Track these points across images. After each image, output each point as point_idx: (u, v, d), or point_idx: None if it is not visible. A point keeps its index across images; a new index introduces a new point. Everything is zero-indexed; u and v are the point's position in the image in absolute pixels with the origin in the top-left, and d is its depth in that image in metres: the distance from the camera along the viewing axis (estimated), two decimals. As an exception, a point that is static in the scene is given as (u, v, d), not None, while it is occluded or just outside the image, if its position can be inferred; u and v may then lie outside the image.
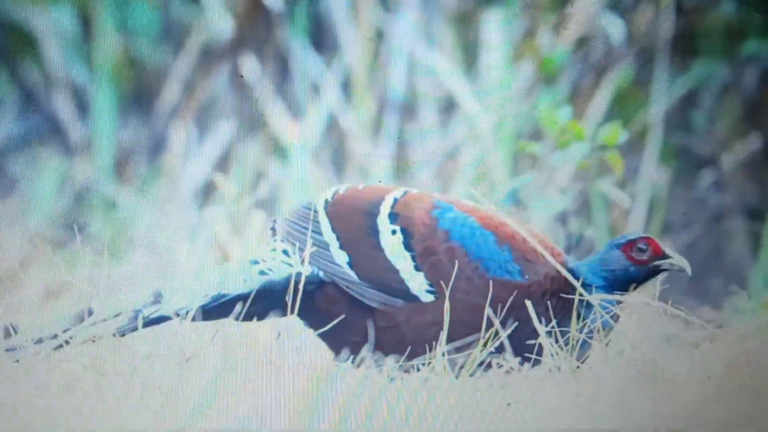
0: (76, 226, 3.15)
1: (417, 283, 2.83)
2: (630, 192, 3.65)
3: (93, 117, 3.84)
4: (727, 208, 3.73)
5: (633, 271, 2.83)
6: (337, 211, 2.93)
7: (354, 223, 2.90)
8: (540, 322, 2.77)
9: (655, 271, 2.84)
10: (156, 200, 3.71)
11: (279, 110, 3.80)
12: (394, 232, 2.87)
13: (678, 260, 2.83)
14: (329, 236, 2.90)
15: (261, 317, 2.91)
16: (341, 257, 2.88)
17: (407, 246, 2.86)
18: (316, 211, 2.94)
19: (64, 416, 2.68)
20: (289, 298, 2.86)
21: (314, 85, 3.82)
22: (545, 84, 3.73)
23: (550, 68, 3.73)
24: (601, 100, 3.71)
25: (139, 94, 3.88)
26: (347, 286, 2.86)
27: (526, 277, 2.82)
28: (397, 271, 2.84)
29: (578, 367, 2.77)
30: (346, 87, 3.80)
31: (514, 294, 2.78)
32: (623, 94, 3.73)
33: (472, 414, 2.68)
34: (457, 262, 2.82)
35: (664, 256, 2.84)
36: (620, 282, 2.82)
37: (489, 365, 2.81)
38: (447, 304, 2.80)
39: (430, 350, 2.79)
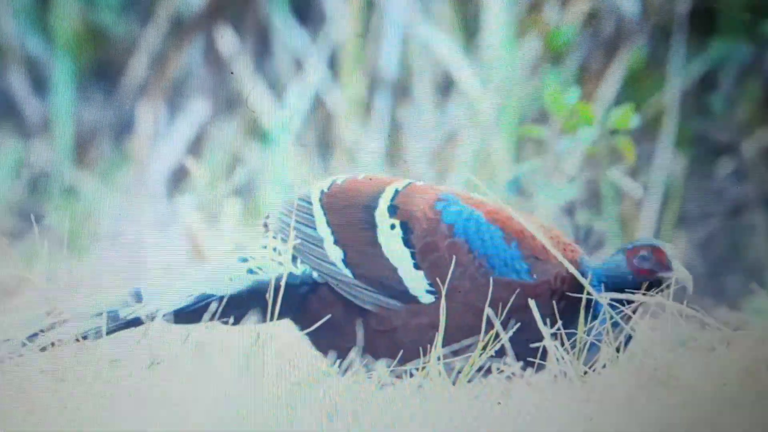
0: (33, 217, 3.19)
1: (416, 283, 2.87)
2: (643, 181, 3.75)
3: (50, 94, 3.88)
4: (747, 200, 3.82)
5: (630, 279, 2.89)
6: (332, 203, 2.96)
7: (350, 216, 2.93)
8: (545, 323, 2.84)
9: (655, 284, 2.89)
10: (121, 188, 3.76)
11: (258, 88, 3.86)
12: (392, 226, 2.91)
13: (680, 274, 2.87)
14: (323, 230, 2.94)
15: (249, 320, 2.95)
16: (335, 253, 2.91)
17: (407, 242, 2.90)
18: (310, 203, 2.98)
19: (15, 423, 2.76)
20: (269, 298, 2.91)
21: (297, 60, 3.87)
22: (551, 62, 3.80)
23: (557, 45, 3.80)
24: (612, 80, 3.80)
25: (102, 69, 3.92)
26: (340, 287, 2.90)
27: (534, 276, 2.87)
28: (395, 270, 2.88)
29: (586, 372, 2.84)
30: (333, 63, 3.86)
31: (520, 295, 2.84)
32: (636, 75, 3.82)
33: (469, 423, 2.75)
34: (460, 259, 2.87)
35: (667, 268, 2.89)
36: (616, 290, 2.88)
37: (489, 370, 2.87)
38: (443, 303, 2.88)
39: (425, 355, 2.85)
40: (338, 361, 2.91)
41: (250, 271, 2.96)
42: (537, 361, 2.86)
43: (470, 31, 3.83)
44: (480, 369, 2.87)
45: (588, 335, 2.86)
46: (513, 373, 2.87)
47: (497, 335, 2.87)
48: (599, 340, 2.86)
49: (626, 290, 2.87)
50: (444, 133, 3.81)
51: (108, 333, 2.92)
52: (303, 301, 2.93)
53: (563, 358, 2.84)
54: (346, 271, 2.91)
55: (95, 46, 3.93)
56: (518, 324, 2.87)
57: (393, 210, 2.93)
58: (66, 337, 2.92)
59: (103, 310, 2.93)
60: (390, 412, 2.77)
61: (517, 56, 3.79)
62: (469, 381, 2.87)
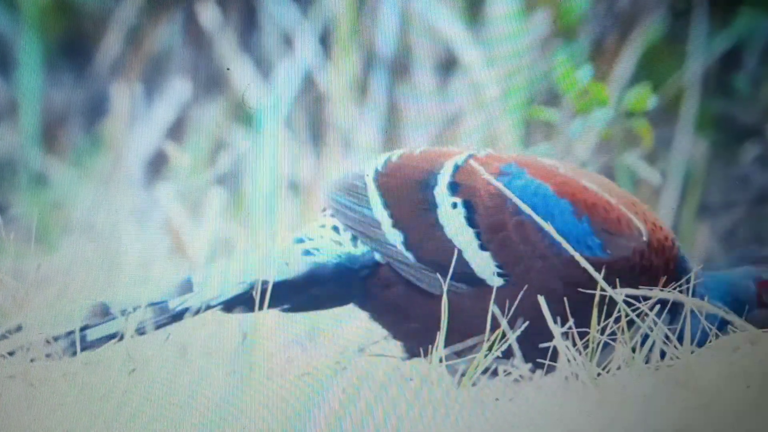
0: (-3, 207, 3.24)
1: (483, 265, 2.93)
2: (661, 167, 3.80)
3: (16, 73, 3.91)
4: (773, 187, 3.89)
5: (746, 308, 2.97)
6: (388, 182, 3.02)
7: (408, 196, 2.99)
8: (555, 321, 2.92)
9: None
10: (95, 176, 3.79)
11: (244, 67, 3.90)
12: (454, 205, 2.96)
13: None
14: (380, 213, 3.00)
15: (315, 307, 3.02)
16: (395, 237, 2.97)
17: (471, 221, 2.95)
18: (364, 184, 3.04)
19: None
20: (257, 296, 2.96)
21: (286, 36, 3.90)
22: (563, 38, 3.84)
23: (568, 20, 3.84)
24: (628, 58, 3.84)
25: (72, 46, 3.94)
26: (403, 269, 2.96)
27: (608, 252, 2.93)
28: (459, 252, 2.94)
29: (599, 374, 2.91)
30: (325, 39, 3.89)
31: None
32: (654, 52, 3.86)
33: (473, 428, 2.83)
34: (528, 237, 2.91)
35: None
36: (735, 312, 2.95)
37: (495, 372, 2.95)
38: (444, 299, 2.94)
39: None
40: (405, 345, 2.98)
41: (307, 253, 3.02)
42: (547, 362, 2.92)
43: (474, 4, 3.87)
44: (485, 371, 2.95)
45: (601, 334, 2.92)
46: (521, 376, 2.94)
47: (504, 334, 2.94)
48: (613, 340, 2.93)
49: (725, 310, 2.95)
50: (446, 115, 3.85)
51: (157, 327, 2.99)
52: (365, 285, 2.99)
53: (575, 359, 2.91)
54: (408, 254, 2.96)
55: (65, 21, 3.95)
56: (526, 322, 2.94)
57: (454, 187, 2.98)
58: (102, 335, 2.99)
59: (162, 300, 2.98)
60: (392, 414, 2.84)
61: (525, 32, 3.83)
62: (474, 384, 2.95)
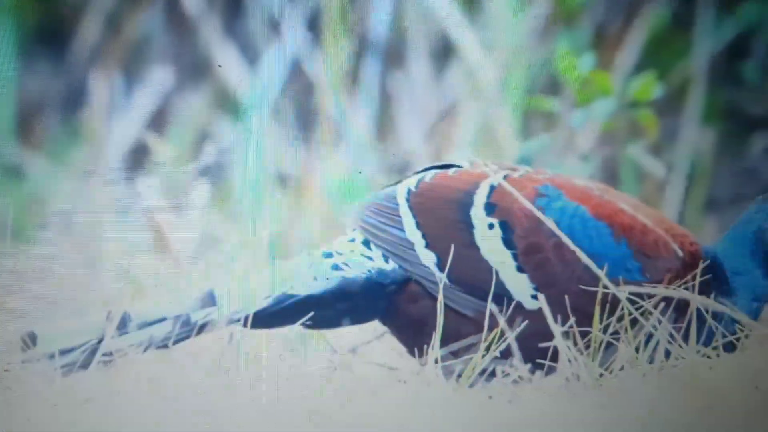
0: (-29, 202, 3.27)
1: (520, 287, 3.00)
2: (666, 160, 3.86)
3: (-11, 61, 3.93)
4: (784, 180, 3.92)
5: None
6: (422, 203, 3.09)
7: (443, 217, 3.06)
8: (555, 320, 2.97)
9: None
10: (73, 168, 3.81)
11: (229, 54, 3.93)
12: (491, 226, 3.03)
13: None
14: (413, 234, 3.07)
15: (333, 323, 3.09)
16: (429, 257, 3.05)
17: (507, 243, 3.03)
18: (396, 204, 3.10)
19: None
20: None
21: (273, 21, 3.94)
22: (564, 25, 3.89)
23: (569, 5, 3.88)
24: (632, 45, 3.89)
25: (48, 33, 3.96)
26: (436, 291, 3.02)
27: (647, 276, 3.01)
28: (496, 273, 3.01)
29: (601, 375, 2.95)
30: (314, 24, 3.92)
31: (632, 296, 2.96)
32: (659, 39, 3.92)
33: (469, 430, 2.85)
34: (566, 260, 2.99)
35: None
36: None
37: (493, 373, 2.99)
38: (440, 297, 3.00)
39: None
40: (456, 359, 3.02)
41: (336, 267, 3.09)
42: (547, 363, 2.96)
43: (471, -12, 3.91)
44: (483, 372, 2.99)
45: (603, 333, 2.97)
46: (520, 377, 2.98)
47: (502, 334, 2.99)
48: (616, 339, 2.97)
49: (733, 309, 3.00)
50: (442, 105, 3.90)
51: (176, 341, 3.04)
52: (391, 300, 3.07)
53: (576, 360, 2.96)
54: (442, 276, 3.04)
55: (40, 6, 3.97)
56: (526, 321, 2.99)
57: (490, 208, 3.06)
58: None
59: (184, 313, 3.03)
60: (385, 418, 2.88)
61: (525, 18, 3.87)
62: (470, 386, 2.98)
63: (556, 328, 2.96)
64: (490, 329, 2.99)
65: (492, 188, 3.08)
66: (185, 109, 3.92)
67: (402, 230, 3.09)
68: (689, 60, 3.91)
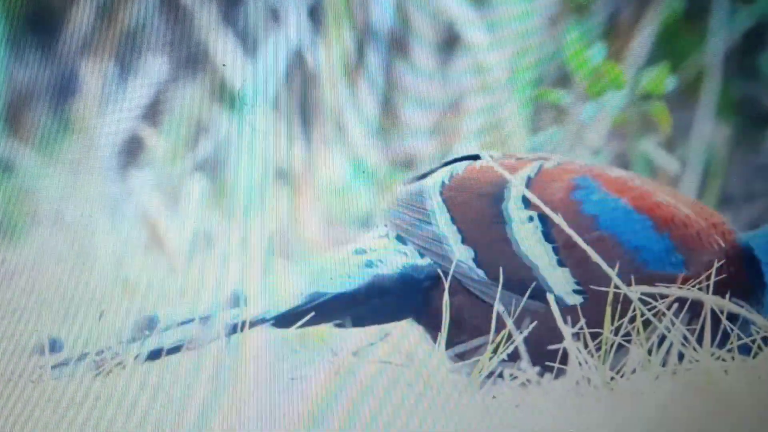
0: (-42, 196, 3.30)
1: (561, 282, 3.05)
2: (680, 155, 3.90)
3: (-24, 51, 3.96)
4: (801, 176, 3.95)
5: None
6: (455, 197, 3.13)
7: (478, 211, 3.10)
8: (565, 322, 3.02)
9: None
10: (64, 162, 3.82)
11: (226, 43, 3.96)
12: (530, 219, 3.08)
13: None
14: (447, 229, 3.12)
15: (373, 322, 3.14)
16: (464, 253, 3.09)
17: (547, 236, 3.07)
18: (429, 199, 3.15)
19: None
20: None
21: (273, 9, 3.96)
22: (574, 15, 3.91)
23: (580, -6, 3.92)
24: (645, 36, 3.92)
25: (38, 20, 3.98)
26: (473, 287, 3.07)
27: (691, 269, 3.05)
28: (535, 268, 3.05)
29: (613, 378, 2.98)
30: (316, 12, 3.95)
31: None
32: (672, 30, 3.94)
33: None
34: (608, 254, 3.02)
35: None
36: None
37: (500, 376, 3.03)
38: (446, 297, 3.04)
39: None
40: (462, 361, 3.08)
41: (369, 264, 3.14)
42: (556, 365, 3.00)
43: (478, -24, 3.93)
44: (490, 375, 3.04)
45: (615, 335, 3.01)
46: (528, 380, 3.02)
47: (510, 335, 3.03)
48: (628, 341, 3.01)
49: (748, 309, 3.05)
50: (447, 97, 3.92)
51: (206, 343, 3.09)
52: (426, 295, 3.12)
53: (586, 362, 3.00)
54: (479, 271, 3.09)
55: (30, -7, 4.00)
56: (534, 323, 3.04)
57: (527, 201, 3.10)
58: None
59: (210, 314, 3.08)
60: (388, 423, 2.92)
61: (534, 7, 3.89)
62: (477, 389, 3.02)
63: (566, 330, 3.00)
64: (497, 331, 3.05)
65: (528, 179, 3.12)
66: (181, 101, 3.94)
67: (436, 225, 3.12)
68: (704, 51, 3.94)
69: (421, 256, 3.13)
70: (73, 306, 3.23)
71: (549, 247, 3.07)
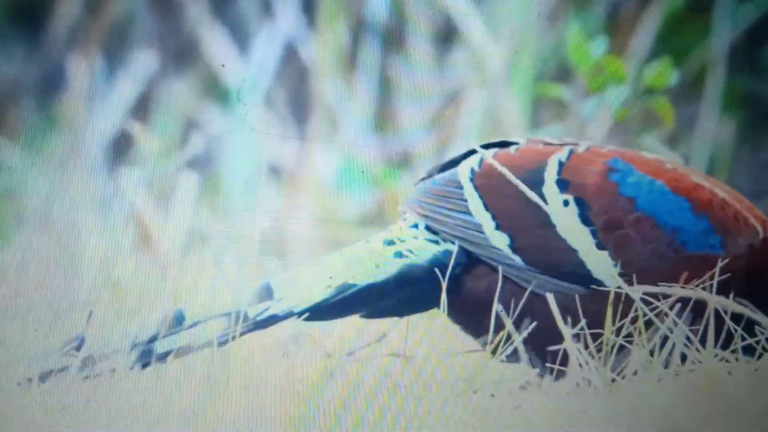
0: (-58, 196, 3.30)
1: (601, 265, 3.10)
2: (683, 151, 3.91)
3: (-40, 45, 3.97)
4: (808, 173, 3.97)
5: None
6: (488, 183, 3.19)
7: (513, 196, 3.16)
8: (565, 322, 3.05)
9: None
10: (51, 160, 3.81)
11: (218, 36, 3.97)
12: (566, 203, 3.14)
13: None
14: (482, 216, 3.18)
15: (401, 312, 3.19)
16: (501, 239, 3.16)
17: (585, 219, 3.13)
18: (459, 187, 3.21)
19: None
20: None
21: (265, 2, 3.97)
22: (575, 7, 3.94)
23: (581, -14, 3.93)
24: (647, 29, 3.94)
25: (23, 11, 3.99)
26: (509, 272, 3.13)
27: (728, 250, 3.10)
28: (574, 252, 3.11)
29: (614, 380, 3.02)
30: (309, 5, 3.96)
31: (718, 272, 3.05)
32: (675, 23, 3.96)
33: None
34: (647, 236, 3.09)
35: None
36: None
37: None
38: (443, 296, 3.10)
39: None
40: (500, 348, 3.11)
41: (399, 254, 3.20)
42: (556, 366, 3.05)
43: (477, -33, 3.94)
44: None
45: (616, 335, 3.04)
46: (528, 382, 3.07)
47: (509, 336, 3.07)
48: (629, 342, 3.05)
49: (752, 309, 3.10)
50: (445, 92, 3.95)
51: (240, 335, 3.14)
52: (456, 281, 3.18)
53: (587, 363, 3.03)
54: (515, 257, 3.14)
55: (14, -15, 4.01)
56: (534, 323, 3.08)
57: (563, 184, 3.17)
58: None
59: (243, 309, 3.14)
60: (383, 425, 2.95)
61: (534, 0, 3.92)
62: (475, 392, 3.06)
63: (566, 330, 3.05)
64: (497, 331, 3.09)
65: (561, 164, 3.18)
66: (171, 96, 3.95)
67: (468, 213, 3.19)
68: (707, 44, 3.96)
69: (453, 243, 3.18)
70: (62, 308, 3.25)
71: (588, 230, 3.13)
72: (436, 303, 3.18)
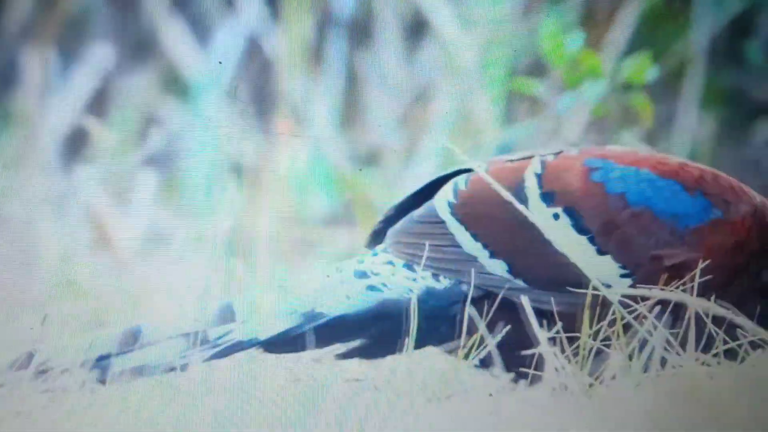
0: None
1: (604, 270, 3.09)
2: (662, 148, 3.86)
3: None
4: (789, 172, 3.98)
5: None
6: (469, 213, 3.17)
7: (499, 220, 3.14)
8: (541, 325, 3.04)
9: None
10: (4, 157, 3.81)
11: (177, 29, 3.96)
12: (556, 216, 3.12)
13: None
14: (472, 247, 3.15)
15: (369, 354, 3.15)
16: (498, 267, 3.13)
17: (579, 228, 3.12)
18: (440, 222, 3.18)
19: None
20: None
21: None
22: (550, 0, 3.93)
23: (556, -22, 3.92)
24: (625, 23, 3.94)
25: None
26: (513, 296, 3.10)
27: (733, 216, 3.10)
28: (575, 264, 3.09)
29: (591, 384, 3.02)
30: None
31: (724, 233, 3.07)
32: (654, 16, 3.96)
33: None
34: (646, 228, 3.08)
35: None
36: None
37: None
38: (414, 300, 3.07)
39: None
40: (473, 352, 3.09)
41: (372, 288, 3.16)
42: (531, 371, 3.04)
43: (448, -42, 3.94)
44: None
45: (594, 339, 3.04)
46: (501, 387, 3.05)
47: (482, 340, 3.06)
48: (607, 345, 3.04)
49: (735, 312, 3.09)
50: (415, 87, 3.94)
51: (192, 364, 3.10)
52: (454, 322, 3.13)
53: (563, 368, 3.02)
54: (518, 282, 3.12)
55: (-35, -26, 3.98)
56: (508, 326, 3.06)
57: (548, 197, 3.14)
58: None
59: (202, 330, 3.08)
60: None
61: (506, -8, 3.90)
62: (447, 397, 3.06)
63: (542, 334, 3.04)
64: (470, 334, 3.07)
65: (538, 176, 3.16)
66: (128, 91, 3.94)
67: (457, 246, 3.16)
68: (687, 39, 3.97)
69: (437, 279, 3.16)
70: (15, 309, 3.22)
71: (585, 238, 3.12)
72: (427, 342, 3.15)
